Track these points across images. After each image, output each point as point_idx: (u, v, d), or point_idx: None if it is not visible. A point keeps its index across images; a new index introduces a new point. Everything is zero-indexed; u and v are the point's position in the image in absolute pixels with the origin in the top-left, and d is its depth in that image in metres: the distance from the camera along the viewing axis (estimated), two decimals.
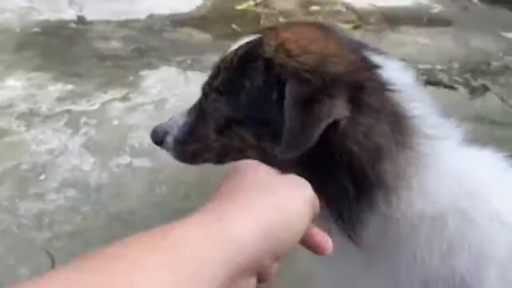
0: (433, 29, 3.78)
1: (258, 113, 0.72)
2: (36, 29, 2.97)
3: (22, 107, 2.19)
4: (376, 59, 0.71)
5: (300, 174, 0.66)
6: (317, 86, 0.65)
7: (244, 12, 3.76)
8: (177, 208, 1.72)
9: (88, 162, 1.90)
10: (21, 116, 2.13)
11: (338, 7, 4.07)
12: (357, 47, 0.73)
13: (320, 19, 3.76)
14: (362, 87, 0.66)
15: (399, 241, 0.68)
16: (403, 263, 0.68)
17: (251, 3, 3.93)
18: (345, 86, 0.65)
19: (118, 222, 1.64)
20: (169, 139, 0.84)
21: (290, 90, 0.66)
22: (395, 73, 0.70)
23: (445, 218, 0.67)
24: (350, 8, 4.06)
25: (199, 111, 0.83)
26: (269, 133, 0.70)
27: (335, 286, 0.79)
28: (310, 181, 0.64)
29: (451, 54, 3.31)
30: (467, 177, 0.70)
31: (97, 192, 1.76)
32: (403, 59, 3.17)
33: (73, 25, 3.10)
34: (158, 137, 0.86)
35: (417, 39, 3.54)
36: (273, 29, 0.77)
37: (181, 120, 0.85)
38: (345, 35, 0.78)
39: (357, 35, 3.55)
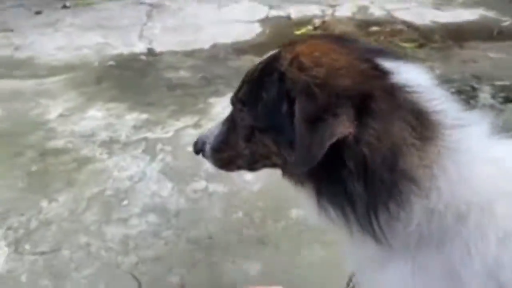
0: (505, 43, 3.57)
1: (274, 122, 0.77)
2: (111, 62, 3.19)
3: (103, 135, 2.33)
4: (389, 65, 0.73)
5: (313, 182, 0.74)
6: (323, 104, 0.68)
7: (303, 37, 3.79)
8: (255, 234, 1.71)
9: (166, 188, 1.95)
10: (103, 144, 2.26)
11: (399, 26, 3.99)
12: (372, 56, 0.75)
13: (381, 39, 3.70)
14: (370, 95, 0.68)
15: (447, 232, 0.67)
16: (455, 255, 0.67)
17: (310, 27, 3.96)
18: (351, 100, 0.68)
19: (199, 247, 1.66)
20: (207, 149, 0.93)
21: (299, 107, 0.70)
22: (412, 75, 0.73)
23: (493, 203, 0.66)
24: (411, 27, 3.96)
25: (230, 121, 0.90)
26: (286, 141, 0.75)
27: None
28: (325, 189, 0.72)
29: None
30: (505, 161, 0.69)
31: (176, 217, 1.80)
32: (476, 77, 3.01)
33: (143, 57, 3.29)
34: (198, 147, 0.95)
35: (488, 54, 3.36)
36: (292, 43, 0.81)
37: (216, 130, 0.93)
38: (363, 45, 0.81)
39: (422, 54, 3.44)
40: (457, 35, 3.77)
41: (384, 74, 0.72)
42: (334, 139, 0.67)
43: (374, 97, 0.68)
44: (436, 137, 0.68)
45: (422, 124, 0.68)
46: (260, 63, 0.82)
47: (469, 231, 0.66)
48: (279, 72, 0.75)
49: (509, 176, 0.68)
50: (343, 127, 0.67)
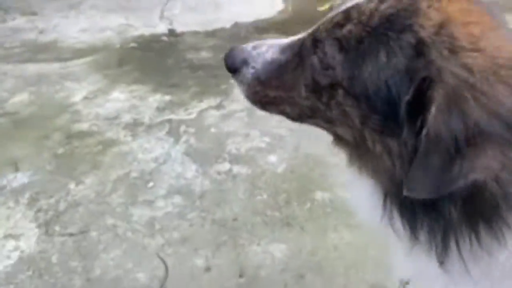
0: None
1: (379, 98, 0.57)
2: (133, 44, 3.18)
3: (127, 117, 2.33)
4: None
5: (388, 180, 0.59)
6: (476, 125, 0.50)
7: (326, 13, 3.67)
8: (280, 216, 1.70)
9: (190, 170, 1.95)
10: (127, 126, 2.27)
11: None
12: None
13: None
14: None
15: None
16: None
17: (334, 3, 3.82)
18: (505, 126, 0.50)
19: (224, 228, 1.65)
20: (247, 72, 0.70)
21: (438, 119, 0.51)
22: None
23: None
24: None
25: (297, 55, 0.68)
26: (381, 124, 0.58)
27: None
28: (400, 196, 0.57)
29: None
30: None
31: (201, 199, 1.79)
32: None
33: (165, 38, 3.26)
34: (234, 64, 0.72)
35: None
36: None
37: (269, 54, 0.70)
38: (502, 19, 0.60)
39: None
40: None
41: None
42: (482, 176, 0.51)
43: None
44: None
45: None
46: (385, 2, 0.58)
47: None
48: (418, 39, 0.54)
49: None
50: (494, 161, 0.50)
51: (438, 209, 0.57)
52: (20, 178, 1.93)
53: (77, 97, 2.54)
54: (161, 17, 3.64)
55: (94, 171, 1.97)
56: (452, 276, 0.62)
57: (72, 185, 1.89)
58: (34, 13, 3.77)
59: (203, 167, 1.95)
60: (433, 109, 0.51)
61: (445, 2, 0.57)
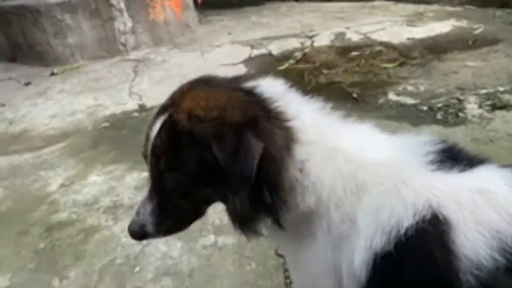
0: (482, 50, 3.69)
1: (202, 171, 0.87)
2: (105, 124, 3.24)
3: (106, 201, 2.34)
4: (250, 84, 0.94)
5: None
6: (232, 138, 0.83)
7: (288, 70, 3.88)
8: (271, 284, 1.70)
9: (176, 248, 1.95)
10: (107, 210, 2.26)
11: (378, 48, 4.10)
12: (236, 83, 0.95)
13: (362, 63, 3.80)
14: (256, 118, 0.86)
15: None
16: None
17: (292, 61, 4.06)
18: (246, 126, 0.85)
19: None
20: (151, 228, 0.97)
21: (218, 148, 0.83)
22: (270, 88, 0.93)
23: None
24: (390, 47, 4.09)
25: (157, 192, 0.96)
26: (218, 178, 0.86)
27: None
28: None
29: (510, 72, 3.18)
30: None
31: (190, 277, 1.79)
32: (460, 88, 3.09)
33: (136, 114, 3.34)
34: (140, 233, 0.98)
35: (468, 64, 3.46)
36: (174, 103, 0.92)
37: (147, 209, 0.96)
38: (222, 78, 0.99)
39: (405, 72, 3.54)
40: (435, 48, 3.88)
41: (254, 94, 0.91)
42: (256, 160, 0.82)
43: (259, 118, 0.87)
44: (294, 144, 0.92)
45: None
46: (159, 134, 0.92)
47: None
48: (186, 132, 0.86)
49: None
50: (256, 149, 0.82)
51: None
52: (1, 282, 1.87)
53: (53, 186, 2.53)
54: (130, 93, 3.75)
55: (77, 262, 1.94)
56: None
57: (55, 282, 1.85)
58: (1, 104, 3.81)
59: (188, 244, 1.95)
60: (213, 147, 0.84)
61: (180, 104, 0.90)
